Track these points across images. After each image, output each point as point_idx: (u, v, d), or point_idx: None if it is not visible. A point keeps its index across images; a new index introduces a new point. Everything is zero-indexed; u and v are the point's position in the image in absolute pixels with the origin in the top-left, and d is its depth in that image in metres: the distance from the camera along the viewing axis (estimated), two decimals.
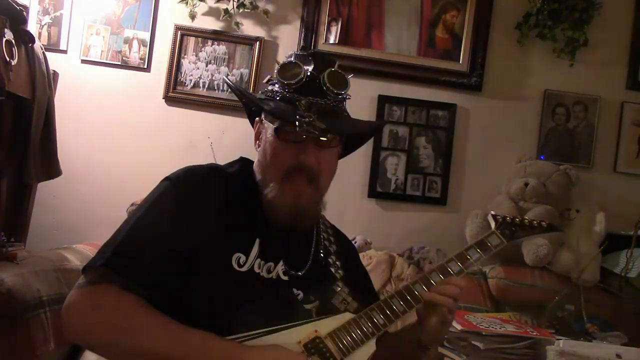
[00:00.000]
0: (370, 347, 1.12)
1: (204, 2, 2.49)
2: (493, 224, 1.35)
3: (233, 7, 2.49)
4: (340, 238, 1.38)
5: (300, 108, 1.12)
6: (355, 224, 2.47)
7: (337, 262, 1.27)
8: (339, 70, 1.20)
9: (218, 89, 2.51)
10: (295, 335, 1.09)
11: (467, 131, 2.64)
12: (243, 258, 1.13)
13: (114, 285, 1.03)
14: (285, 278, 1.18)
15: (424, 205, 2.60)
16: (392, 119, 2.59)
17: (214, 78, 2.51)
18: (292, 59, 1.20)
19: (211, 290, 1.09)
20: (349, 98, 1.23)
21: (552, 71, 2.65)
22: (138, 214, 1.12)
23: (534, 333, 1.96)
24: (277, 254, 1.18)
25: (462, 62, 2.62)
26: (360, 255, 2.30)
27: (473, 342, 1.90)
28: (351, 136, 1.27)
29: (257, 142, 1.24)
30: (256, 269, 1.14)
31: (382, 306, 1.16)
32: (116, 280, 1.03)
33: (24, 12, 1.99)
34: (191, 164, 1.22)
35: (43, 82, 2.10)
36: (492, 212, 1.40)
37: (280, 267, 1.18)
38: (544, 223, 1.40)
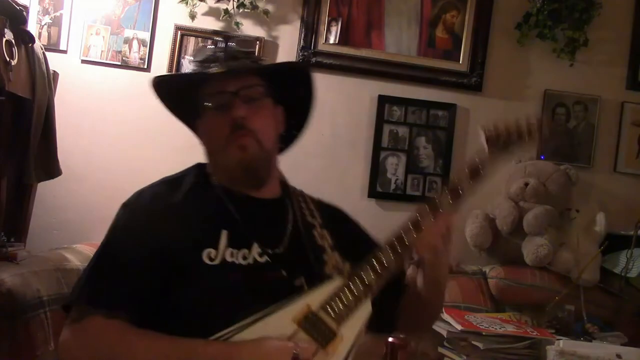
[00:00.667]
0: (366, 309, 1.11)
1: (204, 2, 2.49)
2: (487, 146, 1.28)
3: (233, 7, 2.49)
4: (327, 208, 1.38)
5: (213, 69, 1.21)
6: None
7: (324, 232, 1.27)
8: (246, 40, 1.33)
9: None
10: (288, 315, 1.08)
11: (467, 131, 2.64)
12: (213, 252, 1.14)
13: (96, 316, 1.06)
14: (263, 260, 1.17)
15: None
16: (392, 119, 2.59)
17: None
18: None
19: (189, 292, 1.11)
20: (262, 60, 1.34)
21: (552, 71, 2.65)
22: (104, 243, 1.18)
23: (534, 333, 1.96)
24: (249, 238, 1.19)
25: (462, 62, 2.62)
26: None
27: (473, 342, 1.90)
28: (273, 74, 1.28)
29: (200, 131, 1.29)
30: (229, 259, 1.15)
31: (373, 263, 1.13)
32: (97, 311, 1.07)
33: (24, 12, 1.98)
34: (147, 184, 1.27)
35: (43, 82, 2.10)
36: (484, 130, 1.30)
37: (256, 250, 1.18)
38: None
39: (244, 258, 1.16)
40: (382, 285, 1.15)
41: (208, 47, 1.31)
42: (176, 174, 1.30)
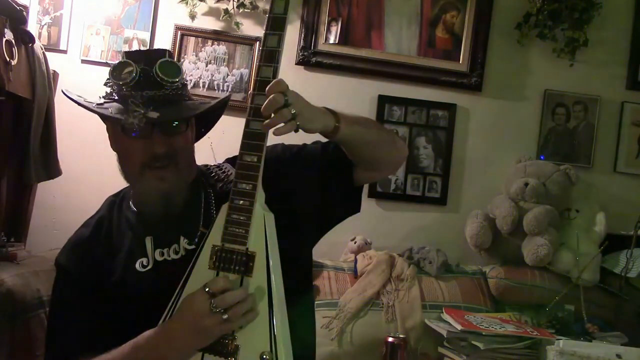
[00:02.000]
0: (259, 215, 1.09)
1: (204, 2, 2.49)
2: None
3: (233, 7, 2.49)
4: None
5: (136, 104, 1.15)
6: (355, 224, 2.46)
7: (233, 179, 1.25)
8: (170, 60, 1.23)
9: (218, 89, 2.51)
10: (204, 267, 1.10)
11: (467, 131, 2.64)
12: (145, 260, 1.22)
13: None
14: (192, 247, 1.22)
15: (424, 205, 2.60)
16: (392, 119, 2.59)
17: (214, 78, 2.51)
18: (123, 58, 1.23)
19: (135, 300, 1.19)
20: (186, 83, 1.28)
21: (552, 71, 2.65)
22: (49, 308, 1.31)
23: (534, 333, 1.97)
24: (172, 234, 1.24)
25: (462, 62, 2.62)
26: (360, 255, 2.32)
27: (473, 342, 1.91)
28: (198, 117, 1.29)
29: (112, 144, 1.30)
30: (159, 258, 1.22)
31: (240, 172, 1.10)
32: None
33: (24, 12, 1.99)
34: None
35: (43, 82, 2.10)
36: None
37: (183, 242, 1.23)
38: None
39: (176, 252, 1.23)
40: (277, 184, 1.15)
41: (126, 61, 1.20)
42: (94, 214, 1.37)
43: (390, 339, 1.87)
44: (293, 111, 1.03)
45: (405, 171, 2.59)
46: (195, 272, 1.11)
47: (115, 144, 1.28)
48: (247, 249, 1.07)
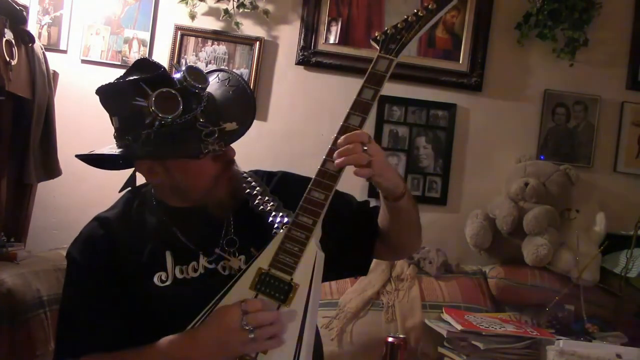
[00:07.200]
0: (311, 251, 1.10)
1: (204, 2, 2.49)
2: (377, 48, 1.25)
3: (233, 7, 2.49)
4: (273, 176, 1.37)
5: (205, 126, 1.13)
6: None
7: (272, 197, 1.26)
8: (193, 68, 1.17)
9: None
10: (245, 285, 1.11)
11: (467, 131, 2.64)
12: (164, 274, 1.19)
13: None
14: (212, 266, 1.21)
15: (424, 205, 2.59)
16: (392, 119, 2.59)
17: None
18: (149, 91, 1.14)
19: (150, 316, 1.17)
20: (199, 111, 1.16)
21: (552, 71, 2.65)
22: (61, 302, 1.27)
23: (534, 333, 1.97)
24: (193, 252, 1.21)
25: (462, 62, 2.62)
26: None
27: (473, 342, 1.91)
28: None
29: (165, 177, 1.25)
30: (179, 276, 1.19)
31: (305, 205, 1.12)
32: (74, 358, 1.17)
33: (24, 12, 1.99)
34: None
35: (43, 82, 2.10)
36: (375, 35, 1.25)
37: (203, 260, 1.21)
38: (431, 6, 1.32)
39: (194, 270, 1.20)
40: (335, 222, 1.17)
41: (166, 91, 1.12)
42: (109, 209, 1.34)
43: (390, 339, 1.87)
44: (372, 158, 1.09)
45: (405, 171, 2.59)
46: (235, 288, 1.11)
47: (175, 174, 1.21)
48: (291, 279, 1.09)
